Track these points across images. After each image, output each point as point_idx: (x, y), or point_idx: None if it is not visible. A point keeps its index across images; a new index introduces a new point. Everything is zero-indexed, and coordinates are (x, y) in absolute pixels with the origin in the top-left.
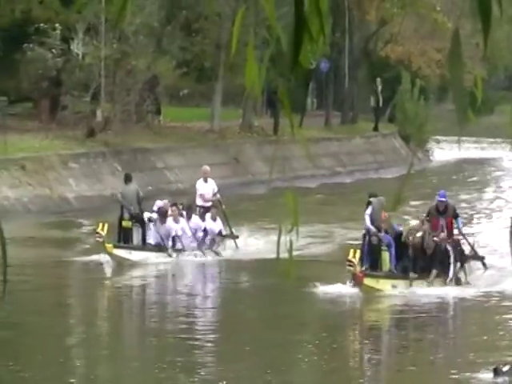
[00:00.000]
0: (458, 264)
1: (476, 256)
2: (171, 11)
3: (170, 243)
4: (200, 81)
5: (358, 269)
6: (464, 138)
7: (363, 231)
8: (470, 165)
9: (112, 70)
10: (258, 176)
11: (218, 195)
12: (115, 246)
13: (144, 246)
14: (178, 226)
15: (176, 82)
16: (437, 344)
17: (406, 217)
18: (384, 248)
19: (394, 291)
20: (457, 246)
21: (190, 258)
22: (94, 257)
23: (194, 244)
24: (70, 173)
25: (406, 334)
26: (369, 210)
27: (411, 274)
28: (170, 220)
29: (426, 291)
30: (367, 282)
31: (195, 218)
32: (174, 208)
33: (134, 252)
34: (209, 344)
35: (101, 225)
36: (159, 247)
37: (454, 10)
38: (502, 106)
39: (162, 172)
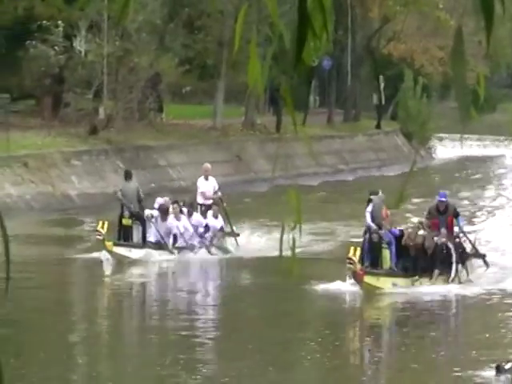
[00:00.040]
0: (459, 265)
1: (477, 254)
2: (174, 9)
3: (171, 241)
4: (202, 78)
5: (358, 267)
6: (466, 136)
7: (363, 228)
8: (472, 162)
9: (114, 68)
10: (260, 174)
11: (219, 193)
12: (115, 244)
13: (144, 243)
14: (179, 224)
15: (178, 79)
16: (439, 342)
17: (408, 214)
18: (384, 246)
19: (394, 289)
20: (458, 244)
21: (190, 256)
22: (96, 254)
23: (196, 241)
24: (73, 170)
25: (408, 332)
26: (369, 208)
27: (414, 278)
28: (170, 217)
29: (428, 289)
30: (367, 279)
31: (196, 216)
32: (175, 205)
33: (133, 250)
34: (211, 342)
35: (101, 223)
36: (159, 245)
37: (457, 8)
38: (504, 103)
39: (165, 169)
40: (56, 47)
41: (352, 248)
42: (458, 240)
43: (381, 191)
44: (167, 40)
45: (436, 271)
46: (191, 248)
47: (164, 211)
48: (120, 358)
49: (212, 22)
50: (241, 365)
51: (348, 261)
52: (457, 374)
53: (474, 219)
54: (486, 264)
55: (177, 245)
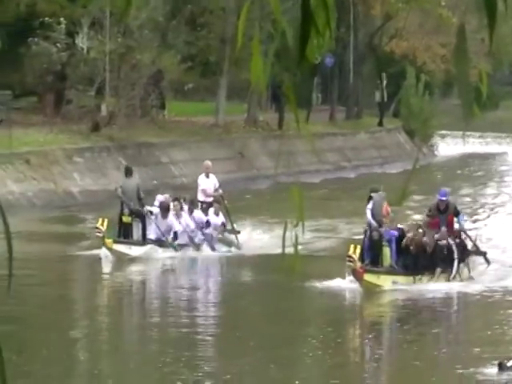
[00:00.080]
0: (461, 262)
1: (478, 251)
2: (176, 6)
3: (171, 238)
4: (205, 75)
5: (358, 264)
6: (469, 133)
7: (364, 225)
8: (474, 160)
9: (117, 65)
10: (262, 171)
11: (221, 190)
12: (115, 241)
13: (144, 241)
14: (179, 221)
15: (181, 76)
16: (441, 339)
17: (409, 212)
18: (385, 243)
19: (395, 287)
20: (460, 241)
21: (192, 253)
22: (98, 252)
23: (198, 238)
24: (75, 167)
25: (410, 329)
26: (370, 205)
27: (417, 276)
28: (171, 215)
29: (430, 287)
30: (367, 277)
31: (197, 213)
32: (175, 203)
33: (133, 247)
34: (212, 339)
35: (100, 220)
36: (160, 242)
37: (459, 5)
38: (507, 101)
39: (167, 166)
40: (58, 44)
41: (352, 246)
42: (459, 237)
43: (382, 188)
44: (169, 37)
45: (438, 269)
46: (197, 246)
47: (165, 208)
48: (122, 355)
49: (214, 19)
50: (242, 362)
51: (348, 259)
52: (459, 371)
53: (476, 216)
54: (487, 261)
55: (177, 242)
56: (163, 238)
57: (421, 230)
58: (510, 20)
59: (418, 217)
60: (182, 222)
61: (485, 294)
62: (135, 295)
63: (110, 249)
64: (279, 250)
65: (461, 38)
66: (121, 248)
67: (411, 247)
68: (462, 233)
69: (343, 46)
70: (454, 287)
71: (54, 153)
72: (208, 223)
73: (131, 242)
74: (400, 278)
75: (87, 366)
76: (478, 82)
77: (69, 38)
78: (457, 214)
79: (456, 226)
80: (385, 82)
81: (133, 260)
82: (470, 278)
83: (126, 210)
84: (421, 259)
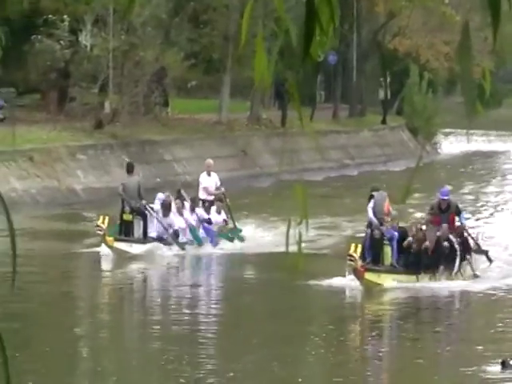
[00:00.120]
0: (463, 260)
1: (480, 250)
2: (179, 3)
3: (173, 236)
4: (208, 72)
5: (359, 263)
6: (472, 131)
7: (365, 223)
8: (478, 158)
9: (120, 62)
10: (265, 168)
11: (223, 188)
12: (116, 239)
13: (145, 239)
14: (181, 219)
15: (184, 73)
16: (444, 337)
17: (412, 210)
18: (386, 242)
19: (399, 285)
20: (462, 238)
21: (194, 251)
22: (101, 249)
23: (200, 236)
24: (78, 164)
25: (413, 328)
26: (371, 204)
27: (419, 275)
28: (172, 214)
29: (432, 285)
30: (368, 276)
31: (199, 211)
32: (177, 201)
33: (135, 245)
34: (215, 336)
35: (101, 218)
36: (161, 240)
37: (463, 4)
38: (510, 98)
39: (170, 164)
40: (61, 41)
41: (353, 245)
42: (461, 234)
43: (384, 187)
44: (173, 34)
45: (441, 267)
46: (200, 243)
47: (166, 207)
48: (125, 353)
49: (217, 17)
50: (245, 360)
51: (349, 257)
52: (462, 369)
53: (479, 214)
54: (489, 259)
55: (179, 240)
56: (165, 236)
57: (424, 227)
58: None
59: (420, 215)
60: (183, 220)
61: (487, 292)
62: (138, 293)
63: (111, 247)
64: (282, 248)
65: (465, 35)
66: (122, 246)
67: (414, 245)
68: (464, 231)
69: (346, 44)
70: (456, 285)
71: (58, 150)
72: (209, 221)
73: (132, 240)
74: (401, 277)
75: (90, 363)
76: (482, 80)
77: (72, 36)
78: (458, 213)
79: (457, 224)
80: (388, 80)
81: (135, 258)
82: (475, 276)
83: (127, 208)
84: (423, 257)
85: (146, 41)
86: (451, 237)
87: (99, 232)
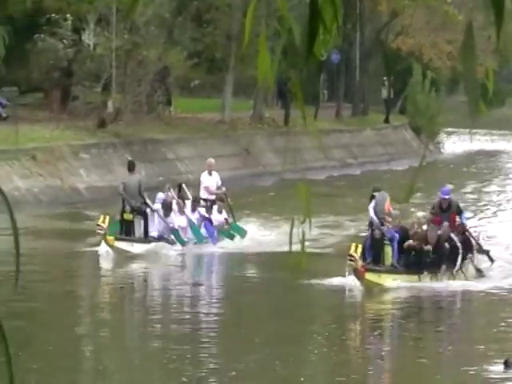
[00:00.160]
0: (465, 259)
1: (481, 250)
2: (182, 2)
3: (173, 236)
4: (211, 72)
5: (360, 263)
6: (475, 130)
7: (367, 223)
8: (481, 157)
9: (123, 61)
10: (268, 167)
11: (224, 188)
12: (117, 239)
13: (146, 238)
14: (182, 218)
15: (187, 72)
16: (446, 337)
17: (413, 209)
18: (386, 242)
19: (401, 284)
20: (463, 236)
21: (196, 250)
22: (100, 248)
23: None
24: (81, 163)
25: (415, 327)
26: (372, 203)
27: (421, 275)
28: (173, 213)
29: (435, 284)
30: (368, 276)
31: (201, 210)
32: (178, 200)
33: (135, 244)
34: (218, 336)
35: (102, 217)
36: (162, 239)
37: (466, 3)
38: None
39: (173, 163)
40: (64, 40)
41: (353, 245)
42: (462, 232)
43: (386, 186)
44: (176, 33)
45: (443, 266)
46: (201, 240)
47: (167, 207)
48: (127, 352)
49: (220, 16)
50: (247, 359)
51: (349, 258)
52: (465, 368)
53: (481, 213)
54: (491, 259)
55: (180, 239)
56: (165, 235)
57: (425, 227)
58: None
59: (422, 214)
60: (184, 219)
61: (490, 291)
62: (140, 292)
63: (111, 246)
64: (284, 247)
65: (468, 35)
66: (122, 245)
67: (415, 242)
68: (465, 230)
69: (349, 43)
70: (458, 285)
71: (61, 149)
72: (210, 220)
73: (133, 240)
74: (402, 277)
75: (93, 362)
76: (485, 79)
77: (75, 35)
78: (459, 212)
79: (458, 222)
80: (391, 79)
81: (137, 257)
82: (479, 272)
83: (128, 208)
84: (424, 256)
85: (149, 40)
86: (452, 235)
87: (100, 231)
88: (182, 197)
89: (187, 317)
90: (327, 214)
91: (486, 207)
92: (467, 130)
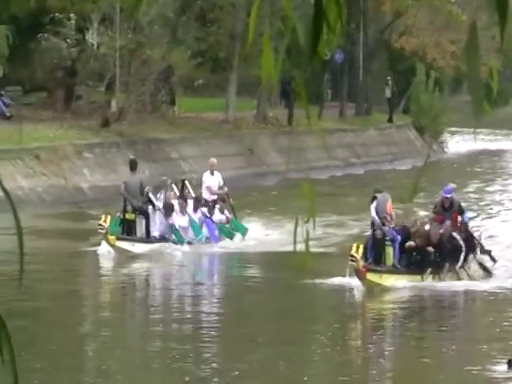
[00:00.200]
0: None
1: (483, 250)
2: (186, 1)
3: (174, 236)
4: (215, 71)
5: (361, 264)
6: (479, 130)
7: (370, 222)
8: (484, 156)
9: (127, 60)
10: (272, 167)
11: (226, 188)
12: (118, 238)
13: (148, 238)
14: (184, 218)
15: (191, 72)
16: (449, 336)
17: (416, 208)
18: (388, 243)
19: (404, 284)
20: (466, 234)
21: (198, 250)
22: (99, 248)
23: (203, 234)
24: (85, 163)
25: (418, 327)
26: (374, 204)
27: (423, 275)
28: (175, 214)
29: (437, 284)
30: (370, 277)
31: (202, 209)
32: (180, 201)
33: (137, 244)
34: (220, 335)
35: (103, 216)
36: (164, 239)
37: (470, 2)
38: None
39: (177, 162)
40: (68, 40)
41: (354, 245)
42: (465, 231)
43: (389, 185)
44: (179, 33)
45: (446, 265)
46: (201, 239)
47: (169, 208)
48: (130, 351)
49: (224, 15)
50: (250, 359)
51: (350, 258)
52: (468, 368)
53: (483, 213)
54: (493, 259)
55: (181, 239)
56: (166, 235)
57: (427, 227)
58: None
59: (424, 213)
60: (185, 219)
61: (493, 290)
62: (143, 291)
63: (113, 246)
64: (287, 247)
65: (472, 34)
66: (124, 245)
67: (417, 240)
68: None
69: (353, 43)
70: (461, 284)
71: (64, 148)
72: (212, 220)
73: (135, 239)
74: (404, 277)
75: (96, 361)
76: (489, 79)
77: (79, 34)
78: (461, 212)
79: (460, 221)
80: (394, 79)
81: (140, 256)
82: (488, 275)
83: (130, 207)
84: (427, 255)
85: (152, 39)
86: (455, 234)
87: (101, 231)
88: (184, 194)
89: (190, 316)
90: (330, 214)
91: (488, 206)
92: (471, 129)
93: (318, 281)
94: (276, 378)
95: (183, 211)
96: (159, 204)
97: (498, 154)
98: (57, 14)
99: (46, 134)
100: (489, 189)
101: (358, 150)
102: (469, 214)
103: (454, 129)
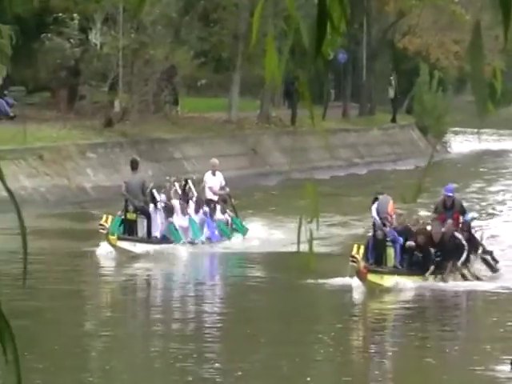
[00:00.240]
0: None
1: (484, 250)
2: (189, 1)
3: (172, 236)
4: (218, 71)
5: (362, 264)
6: (482, 130)
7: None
8: (488, 156)
9: (130, 60)
10: (275, 167)
11: (227, 188)
12: (119, 238)
13: (149, 238)
14: (184, 219)
15: (194, 72)
16: (452, 336)
17: (418, 208)
18: (389, 243)
19: (406, 284)
20: (469, 233)
21: (199, 250)
22: (99, 249)
23: (204, 234)
24: (88, 163)
25: (421, 327)
26: (375, 205)
27: (425, 276)
28: (176, 215)
29: (440, 284)
30: (371, 277)
31: (204, 210)
32: (181, 201)
33: (138, 244)
34: (223, 335)
35: (104, 216)
36: (165, 240)
37: (474, 2)
38: None
39: (180, 162)
40: (71, 40)
41: (355, 245)
42: (468, 230)
43: (391, 185)
44: (182, 33)
45: (448, 264)
46: (197, 237)
47: (169, 210)
48: (133, 351)
49: (227, 15)
50: (253, 359)
51: (351, 259)
52: (471, 368)
53: (485, 213)
54: (495, 260)
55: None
56: (168, 235)
57: (429, 227)
58: None
59: (426, 214)
60: (186, 219)
61: (496, 290)
62: (145, 291)
63: (114, 246)
64: (289, 247)
65: (476, 34)
66: (125, 245)
67: (418, 238)
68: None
69: (356, 43)
70: (464, 284)
71: (67, 148)
72: (212, 219)
73: (136, 239)
74: (405, 278)
75: (99, 361)
76: (492, 79)
77: (82, 34)
78: (463, 212)
79: (462, 221)
80: (398, 79)
81: (143, 256)
82: (494, 270)
83: (131, 207)
84: (429, 255)
85: (155, 39)
86: (457, 234)
87: (102, 231)
88: (186, 193)
89: (193, 316)
90: (333, 214)
91: (491, 206)
92: (474, 129)
93: (320, 281)
94: (279, 378)
95: (184, 211)
96: (161, 204)
97: (502, 154)
98: (60, 14)
99: (50, 134)
100: (492, 189)
101: (361, 150)
102: (470, 215)
103: (457, 129)
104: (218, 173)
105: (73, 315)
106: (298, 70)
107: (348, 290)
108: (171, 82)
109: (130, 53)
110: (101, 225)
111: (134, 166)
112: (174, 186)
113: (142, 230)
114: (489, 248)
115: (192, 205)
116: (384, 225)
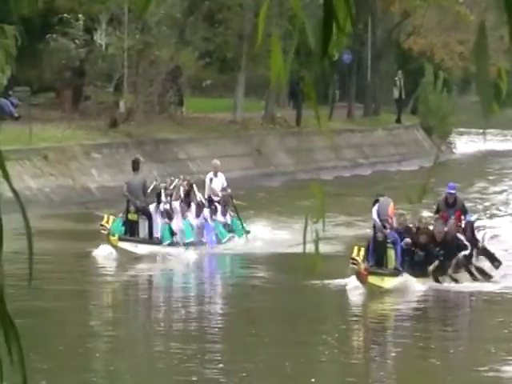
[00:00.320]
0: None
1: (486, 252)
2: (194, 2)
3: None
4: (223, 71)
5: (362, 266)
6: (487, 130)
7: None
8: (493, 157)
9: (135, 61)
10: (280, 167)
11: (229, 190)
12: (120, 239)
13: (151, 239)
14: (184, 222)
15: (199, 72)
16: (457, 337)
17: (421, 209)
18: (389, 245)
19: (407, 286)
20: (470, 234)
21: (200, 251)
22: (98, 250)
23: (204, 236)
24: (93, 163)
25: (425, 327)
26: (375, 206)
27: (427, 277)
28: (175, 218)
29: (443, 284)
30: (371, 280)
31: (205, 211)
32: (182, 204)
33: (139, 245)
34: (227, 336)
35: (106, 217)
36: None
37: (478, 2)
38: None
39: (185, 163)
40: (76, 40)
41: (355, 248)
42: (470, 230)
43: (393, 188)
44: (187, 33)
45: (452, 262)
46: (190, 237)
47: (169, 216)
48: (137, 351)
49: (232, 15)
50: (257, 359)
51: (351, 261)
52: (475, 368)
53: (489, 212)
54: (498, 261)
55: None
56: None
57: (431, 227)
58: None
59: (428, 214)
60: (186, 222)
61: (500, 291)
62: (150, 292)
63: (115, 246)
64: (294, 248)
65: (481, 34)
66: (126, 246)
67: (421, 238)
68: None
69: (361, 43)
70: (467, 285)
71: (72, 149)
72: (215, 224)
73: (137, 240)
74: (406, 279)
75: (103, 362)
76: (498, 79)
77: (87, 35)
78: (464, 212)
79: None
80: (402, 79)
81: (147, 257)
82: (496, 266)
83: (132, 208)
84: (430, 255)
85: (160, 40)
86: (459, 235)
87: (103, 231)
88: (189, 195)
89: (196, 317)
90: (338, 214)
91: (495, 206)
92: (479, 130)
93: (325, 281)
94: (283, 379)
95: (184, 215)
96: (164, 205)
97: (507, 154)
98: (65, 15)
99: (54, 135)
100: (496, 189)
101: (365, 150)
102: (473, 218)
103: (462, 129)
104: (219, 174)
105: (77, 315)
106: (303, 70)
107: (352, 290)
108: (176, 82)
109: (135, 53)
110: (102, 225)
111: (136, 166)
112: (182, 185)
113: (143, 231)
114: (490, 248)
115: (193, 208)
116: (384, 227)
